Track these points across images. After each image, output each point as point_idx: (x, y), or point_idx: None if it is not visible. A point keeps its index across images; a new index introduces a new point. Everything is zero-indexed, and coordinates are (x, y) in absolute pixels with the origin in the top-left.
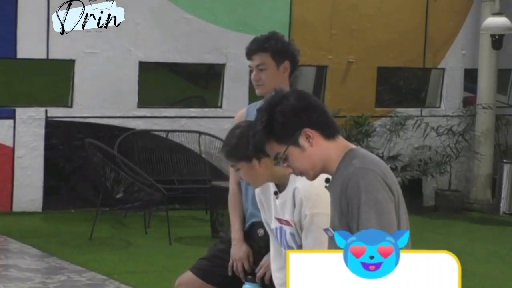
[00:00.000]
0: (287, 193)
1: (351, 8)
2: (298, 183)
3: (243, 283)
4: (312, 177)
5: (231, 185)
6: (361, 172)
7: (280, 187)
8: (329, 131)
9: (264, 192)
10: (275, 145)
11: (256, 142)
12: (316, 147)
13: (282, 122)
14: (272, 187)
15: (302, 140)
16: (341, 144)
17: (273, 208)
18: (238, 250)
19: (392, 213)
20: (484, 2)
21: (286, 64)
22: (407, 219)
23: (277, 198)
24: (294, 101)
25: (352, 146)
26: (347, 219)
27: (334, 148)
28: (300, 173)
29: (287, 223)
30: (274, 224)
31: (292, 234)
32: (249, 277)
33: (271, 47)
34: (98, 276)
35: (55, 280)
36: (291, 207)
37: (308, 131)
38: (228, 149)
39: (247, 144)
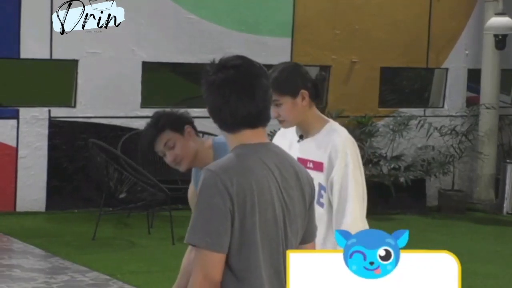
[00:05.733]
0: (322, 136)
1: (354, 8)
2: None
3: None
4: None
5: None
6: (204, 172)
7: (306, 134)
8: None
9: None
10: None
11: None
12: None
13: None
14: (296, 132)
15: None
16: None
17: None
18: None
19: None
20: (487, 2)
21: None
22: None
23: (298, 142)
24: None
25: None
26: None
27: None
28: None
29: (317, 165)
30: None
31: (320, 185)
32: None
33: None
34: (101, 276)
35: (58, 280)
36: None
37: None
38: (275, 82)
39: (293, 80)
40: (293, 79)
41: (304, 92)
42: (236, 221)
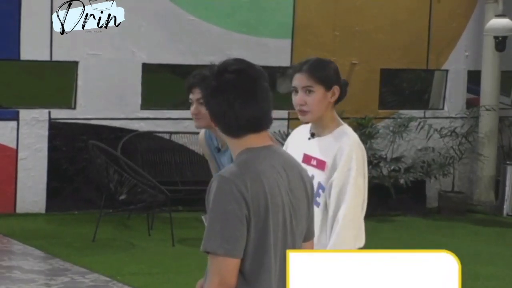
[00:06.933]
0: (334, 137)
1: (354, 10)
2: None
3: None
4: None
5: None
6: (217, 178)
7: (318, 132)
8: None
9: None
10: None
11: None
12: None
13: None
14: (310, 129)
15: None
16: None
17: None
18: None
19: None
20: (487, 3)
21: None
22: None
23: (309, 139)
24: None
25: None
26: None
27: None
28: None
29: (320, 163)
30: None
31: (320, 185)
32: None
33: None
34: (101, 278)
35: (58, 282)
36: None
37: None
38: (312, 68)
39: (330, 72)
40: (330, 72)
41: (336, 88)
42: (252, 226)
